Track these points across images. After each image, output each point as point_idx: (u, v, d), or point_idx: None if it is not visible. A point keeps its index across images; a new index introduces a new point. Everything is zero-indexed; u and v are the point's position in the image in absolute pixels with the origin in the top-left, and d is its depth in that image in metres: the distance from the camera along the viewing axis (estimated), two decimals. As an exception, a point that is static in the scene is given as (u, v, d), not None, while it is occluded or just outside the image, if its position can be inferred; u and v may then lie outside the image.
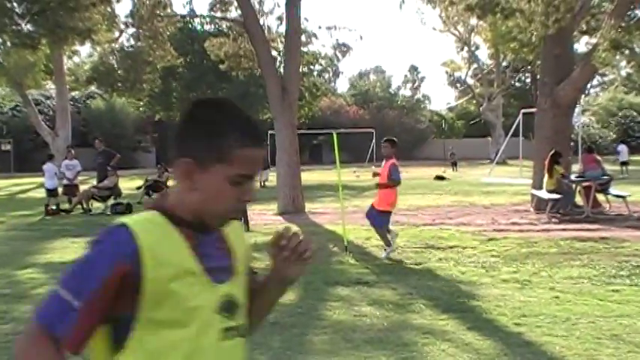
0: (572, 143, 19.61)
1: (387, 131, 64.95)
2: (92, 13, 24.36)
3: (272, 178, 25.56)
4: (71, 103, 42.87)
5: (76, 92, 53.21)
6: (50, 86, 47.45)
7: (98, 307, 1.78)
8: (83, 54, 45.46)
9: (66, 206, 20.00)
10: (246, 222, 12.62)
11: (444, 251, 11.47)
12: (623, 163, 34.97)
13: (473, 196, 22.31)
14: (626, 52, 15.74)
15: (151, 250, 1.77)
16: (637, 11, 17.19)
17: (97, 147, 21.09)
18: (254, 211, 17.28)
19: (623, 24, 15.28)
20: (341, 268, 10.19)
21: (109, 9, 25.90)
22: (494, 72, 61.70)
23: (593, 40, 18.44)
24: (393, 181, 10.95)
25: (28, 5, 25.16)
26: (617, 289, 8.28)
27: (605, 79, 76.12)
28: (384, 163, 11.11)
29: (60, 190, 20.60)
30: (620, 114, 67.81)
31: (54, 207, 19.60)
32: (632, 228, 13.74)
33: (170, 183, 25.96)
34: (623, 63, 18.53)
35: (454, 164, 44.35)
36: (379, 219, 11.10)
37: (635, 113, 67.70)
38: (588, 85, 58.40)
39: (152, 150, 61.49)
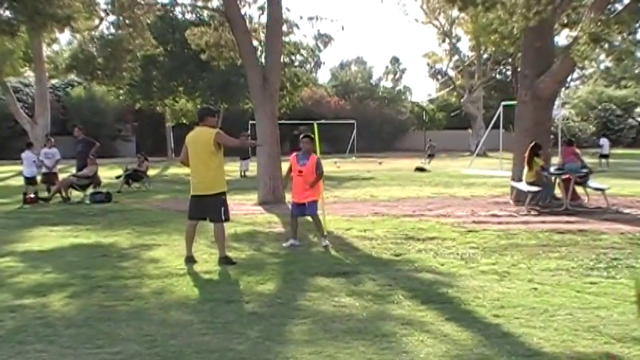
0: (552, 136, 19.66)
1: (368, 122, 65.63)
2: (72, 0, 24.12)
3: (252, 168, 25.49)
4: (50, 91, 42.60)
5: (56, 80, 52.77)
6: (29, 74, 47.03)
7: None
8: (63, 42, 45.13)
9: (45, 195, 19.87)
10: None
11: (423, 242, 11.49)
12: (604, 156, 35.27)
13: (453, 188, 22.38)
14: (606, 45, 15.80)
15: None
16: (617, 5, 17.27)
17: (77, 135, 20.93)
18: (234, 201, 17.25)
19: (602, 17, 15.33)
20: (321, 259, 10.19)
21: (88, -4, 25.64)
22: (476, 64, 61.93)
23: (574, 33, 18.48)
24: (320, 175, 11.32)
25: (6, -9, 24.91)
26: (595, 281, 8.33)
27: (585, 72, 76.51)
28: (308, 159, 11.14)
29: (39, 178, 20.46)
30: (599, 107, 68.34)
31: (32, 195, 19.47)
32: (610, 221, 13.83)
33: (150, 172, 25.88)
34: (603, 56, 18.58)
35: (431, 156, 43.97)
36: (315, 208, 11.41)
37: (614, 106, 68.21)
38: (568, 78, 58.85)
39: (132, 139, 61.26)
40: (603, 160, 34.94)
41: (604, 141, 36.98)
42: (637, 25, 16.97)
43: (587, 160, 20.04)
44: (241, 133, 30.97)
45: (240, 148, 9.93)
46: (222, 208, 9.95)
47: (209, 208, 9.93)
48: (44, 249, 11.48)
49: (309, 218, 11.62)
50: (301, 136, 11.54)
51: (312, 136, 11.62)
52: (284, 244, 11.27)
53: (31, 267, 9.78)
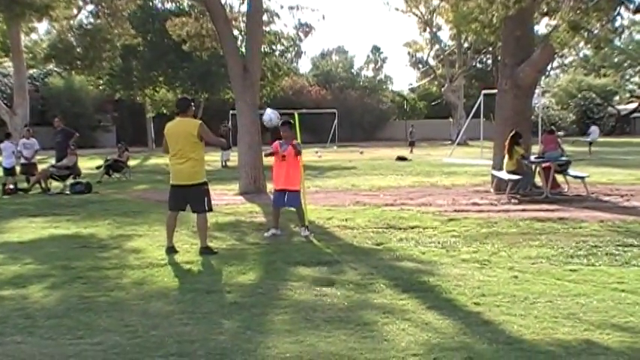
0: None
1: (349, 112, 65.65)
2: (50, -11, 23.94)
3: (234, 158, 25.44)
4: (29, 81, 42.20)
5: (34, 70, 52.41)
6: (7, 64, 46.61)
7: None
8: (41, 31, 44.67)
9: (24, 185, 19.75)
10: None
11: (404, 231, 11.51)
12: (591, 144, 35.63)
13: (434, 177, 22.43)
14: (585, 33, 15.87)
15: None
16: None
17: (56, 126, 20.81)
18: (215, 191, 17.20)
19: (582, 5, 15.39)
20: (302, 248, 10.18)
21: (67, -15, 25.45)
22: (456, 53, 62.03)
23: (554, 22, 18.55)
24: (298, 153, 11.31)
25: (-18, -20, 24.60)
26: (575, 268, 8.38)
27: (565, 60, 76.87)
28: (289, 145, 11.14)
29: (18, 169, 20.32)
30: (579, 95, 68.70)
31: (12, 186, 19.34)
32: (589, 209, 13.90)
33: (130, 162, 25.77)
34: (582, 44, 18.64)
35: (412, 144, 44.16)
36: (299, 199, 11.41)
37: (594, 95, 68.66)
38: (548, 67, 59.04)
39: (112, 129, 60.94)
40: (591, 148, 35.32)
41: (594, 128, 37.33)
42: (615, 13, 17.00)
43: (566, 148, 20.14)
44: (222, 123, 30.90)
45: (216, 145, 9.95)
46: (205, 198, 9.94)
47: (191, 198, 9.90)
48: (23, 240, 11.41)
49: (292, 208, 11.62)
50: (280, 124, 11.52)
51: (292, 122, 11.61)
52: (265, 234, 11.26)
53: (10, 258, 9.71)
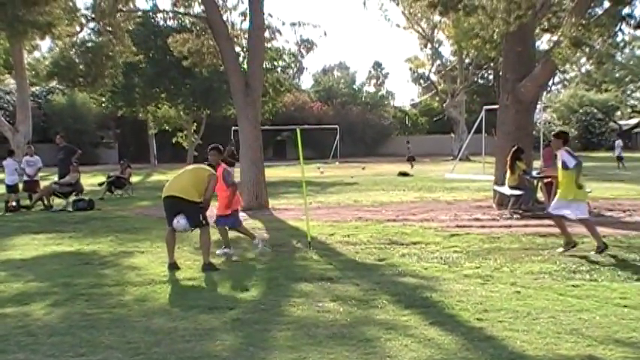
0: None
1: (351, 127, 65.74)
2: (52, 7, 23.96)
3: (236, 174, 25.46)
4: (32, 98, 42.30)
5: (37, 87, 52.52)
6: (10, 81, 46.70)
7: None
8: (44, 48, 44.92)
9: (26, 202, 19.76)
10: None
11: (407, 247, 11.50)
12: (619, 158, 35.48)
13: (436, 192, 22.43)
14: (586, 49, 15.90)
15: None
16: (597, 9, 17.37)
17: (59, 143, 20.86)
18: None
19: (583, 21, 15.42)
20: (304, 264, 10.18)
21: (69, 3, 25.42)
22: (458, 69, 62.07)
23: (555, 38, 18.58)
24: (233, 186, 11.32)
25: (-16, -2, 24.68)
26: (577, 284, 8.37)
27: (567, 76, 76.99)
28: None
29: (20, 186, 20.35)
30: (580, 111, 68.74)
31: (14, 203, 19.36)
32: (592, 223, 13.89)
33: (133, 179, 25.79)
34: (584, 60, 18.67)
35: (411, 159, 43.62)
36: (233, 220, 11.48)
37: (595, 110, 68.70)
38: (550, 82, 59.21)
39: (114, 146, 61.06)
40: (620, 163, 35.18)
41: (619, 142, 37.21)
42: (617, 28, 17.05)
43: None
44: (229, 141, 30.86)
45: (205, 198, 9.97)
46: (200, 214, 9.96)
47: (185, 211, 9.88)
48: (26, 257, 11.41)
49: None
50: (209, 149, 11.41)
51: (220, 147, 11.58)
52: (217, 252, 11.17)
53: (13, 275, 9.71)
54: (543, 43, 32.30)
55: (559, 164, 11.00)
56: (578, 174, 10.72)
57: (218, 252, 11.11)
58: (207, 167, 10.28)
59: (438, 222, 14.73)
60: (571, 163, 10.74)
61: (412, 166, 41.02)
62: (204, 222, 10.03)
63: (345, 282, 8.73)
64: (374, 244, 11.91)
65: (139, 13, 29.72)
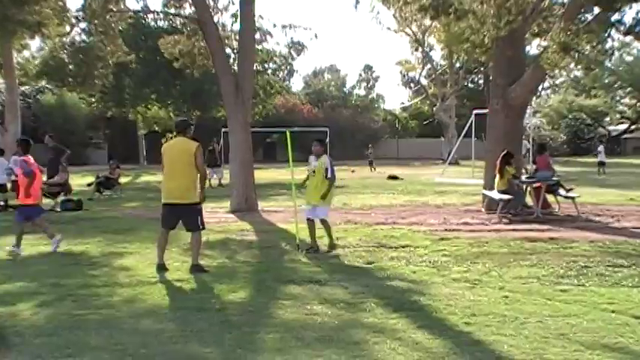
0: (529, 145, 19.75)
1: (341, 130, 65.69)
2: (42, 7, 23.91)
3: (225, 176, 25.43)
4: (21, 98, 42.07)
5: (26, 87, 52.32)
6: (-1, 80, 46.57)
7: None
8: (33, 48, 44.63)
9: (14, 202, 19.66)
10: None
11: (395, 250, 11.51)
12: (601, 164, 35.44)
13: (425, 196, 22.45)
14: (575, 54, 15.96)
15: None
16: (587, 15, 17.45)
17: (47, 143, 20.76)
18: (207, 209, 17.17)
19: (572, 27, 15.49)
20: (293, 267, 10.18)
21: (60, 2, 25.39)
22: (448, 73, 62.23)
23: (545, 43, 18.65)
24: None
25: (-26, -3, 24.56)
26: (565, 288, 8.40)
27: (556, 81, 77.28)
28: None
29: (9, 186, 20.25)
30: (570, 116, 68.97)
31: (2, 203, 19.27)
32: (580, 229, 13.96)
33: (122, 180, 25.72)
34: (573, 65, 18.72)
35: (371, 163, 44.93)
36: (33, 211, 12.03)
37: (584, 115, 68.92)
38: (539, 87, 59.37)
39: (104, 146, 60.86)
40: (600, 168, 35.06)
41: (601, 148, 37.21)
42: (606, 34, 17.14)
43: (558, 168, 20.21)
44: (211, 141, 30.78)
45: (200, 172, 9.92)
46: (199, 217, 9.96)
47: (184, 217, 9.91)
48: (13, 257, 11.37)
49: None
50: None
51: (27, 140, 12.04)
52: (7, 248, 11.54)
53: (0, 275, 9.67)
54: (534, 48, 32.41)
55: None
56: None
57: (9, 248, 11.61)
58: (190, 140, 10.11)
59: (427, 225, 14.75)
60: None
61: (373, 169, 42.63)
62: (201, 227, 10.03)
63: (334, 285, 8.74)
64: (363, 247, 11.91)
65: (130, 14, 29.56)
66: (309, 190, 11.71)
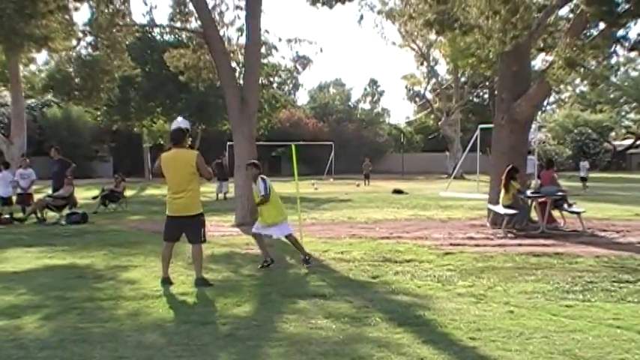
0: (537, 161, 19.73)
1: (346, 144, 65.84)
2: (49, 21, 23.99)
3: (230, 189, 25.44)
4: (27, 110, 42.26)
5: (33, 100, 52.50)
6: (5, 93, 46.71)
7: None
8: (40, 61, 44.83)
9: (20, 215, 19.72)
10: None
11: (400, 265, 11.49)
12: (583, 179, 35.45)
13: (430, 211, 22.43)
14: (581, 70, 15.96)
15: None
16: (592, 30, 17.46)
17: (53, 156, 20.83)
18: (211, 222, 17.19)
19: (578, 42, 15.50)
20: (297, 281, 10.16)
21: (66, 17, 25.47)
22: (453, 87, 62.26)
23: (550, 58, 18.68)
24: None
25: (-19, 11, 24.68)
26: (571, 304, 8.37)
27: (562, 96, 77.33)
28: None
29: (14, 199, 20.31)
30: (575, 131, 68.90)
31: (7, 216, 19.32)
32: (585, 244, 13.92)
33: (127, 193, 25.75)
34: (578, 80, 18.75)
35: (367, 177, 44.90)
36: None
37: (590, 130, 68.85)
38: (545, 102, 59.41)
39: (109, 159, 61.02)
40: (583, 183, 35.05)
41: (584, 163, 37.21)
42: (611, 50, 17.14)
43: (562, 183, 20.18)
44: (218, 157, 30.83)
45: (205, 177, 9.89)
46: (202, 230, 9.95)
47: (187, 229, 9.90)
48: (18, 270, 11.37)
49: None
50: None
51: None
52: None
53: (5, 288, 9.67)
54: (539, 62, 32.47)
55: None
56: None
57: None
58: (188, 150, 10.08)
59: (432, 240, 14.72)
60: None
61: (367, 184, 42.78)
62: (203, 239, 10.02)
63: (338, 299, 8.72)
64: (367, 261, 11.90)
65: (138, 28, 29.68)
66: (260, 210, 11.60)
